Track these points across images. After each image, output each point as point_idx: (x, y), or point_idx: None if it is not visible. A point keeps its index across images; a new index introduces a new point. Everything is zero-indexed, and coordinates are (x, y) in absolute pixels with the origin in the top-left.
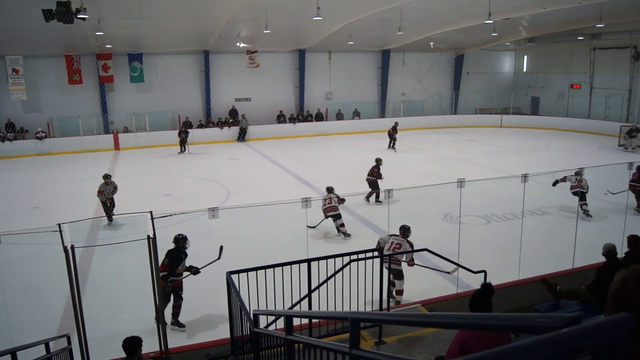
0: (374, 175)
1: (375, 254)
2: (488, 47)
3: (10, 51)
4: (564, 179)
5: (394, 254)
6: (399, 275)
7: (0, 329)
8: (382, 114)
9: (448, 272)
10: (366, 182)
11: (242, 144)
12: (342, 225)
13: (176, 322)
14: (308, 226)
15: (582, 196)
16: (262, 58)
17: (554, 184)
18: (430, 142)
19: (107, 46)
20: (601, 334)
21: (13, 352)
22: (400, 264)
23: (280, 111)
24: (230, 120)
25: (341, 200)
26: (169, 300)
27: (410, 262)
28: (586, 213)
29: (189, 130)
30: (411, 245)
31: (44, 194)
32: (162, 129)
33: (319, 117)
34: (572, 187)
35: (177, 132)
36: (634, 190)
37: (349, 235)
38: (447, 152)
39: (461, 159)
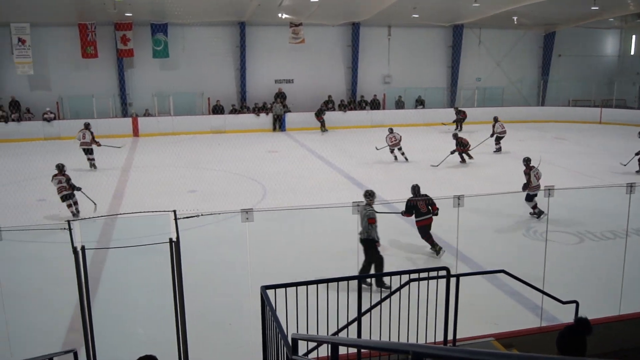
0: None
1: (441, 273)
2: (586, 24)
3: (16, 18)
4: None
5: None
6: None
7: None
8: (452, 103)
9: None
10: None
11: (282, 134)
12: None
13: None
14: (376, 147)
15: None
16: (307, 32)
17: None
18: (510, 139)
19: (127, 14)
20: None
21: None
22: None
23: (329, 96)
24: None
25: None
26: None
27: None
28: None
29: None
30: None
31: (51, 185)
32: (188, 114)
33: (375, 105)
34: None
35: (205, 117)
36: None
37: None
38: (531, 153)
39: (548, 162)
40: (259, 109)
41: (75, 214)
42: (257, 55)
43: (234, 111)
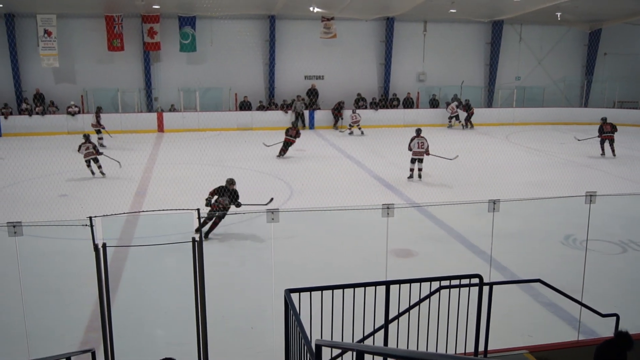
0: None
1: (474, 280)
2: (635, 21)
3: (42, 8)
4: None
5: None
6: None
7: (16, 336)
8: (489, 103)
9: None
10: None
11: (310, 132)
12: (421, 169)
13: (204, 232)
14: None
15: None
16: (340, 27)
17: None
18: (551, 141)
19: (154, 6)
20: None
21: None
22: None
23: (359, 94)
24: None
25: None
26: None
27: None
28: None
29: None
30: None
31: (73, 181)
32: (214, 110)
33: (408, 104)
34: None
35: (232, 113)
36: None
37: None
38: (573, 156)
39: (591, 166)
40: (287, 106)
41: (102, 174)
42: (287, 50)
43: (261, 108)
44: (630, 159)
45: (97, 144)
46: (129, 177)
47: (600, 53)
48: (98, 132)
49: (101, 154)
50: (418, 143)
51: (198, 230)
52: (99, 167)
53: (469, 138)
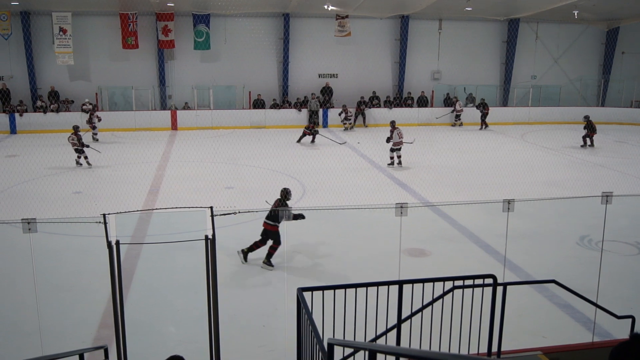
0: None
1: (488, 281)
2: None
3: (58, 6)
4: None
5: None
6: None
7: (30, 332)
8: (505, 102)
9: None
10: None
11: (323, 130)
12: (400, 156)
13: (268, 262)
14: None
15: None
16: (354, 25)
17: None
18: (567, 141)
19: (169, 4)
20: None
21: None
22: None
23: (373, 92)
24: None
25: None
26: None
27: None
28: None
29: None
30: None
31: (87, 178)
32: (228, 108)
33: (422, 102)
34: None
35: (246, 111)
36: None
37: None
38: (589, 156)
39: (607, 166)
40: (300, 104)
41: (88, 165)
42: (301, 48)
43: (275, 106)
44: None
45: (92, 138)
46: (142, 174)
47: (617, 52)
48: (80, 151)
49: (87, 146)
50: (398, 134)
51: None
52: (85, 157)
53: (483, 137)
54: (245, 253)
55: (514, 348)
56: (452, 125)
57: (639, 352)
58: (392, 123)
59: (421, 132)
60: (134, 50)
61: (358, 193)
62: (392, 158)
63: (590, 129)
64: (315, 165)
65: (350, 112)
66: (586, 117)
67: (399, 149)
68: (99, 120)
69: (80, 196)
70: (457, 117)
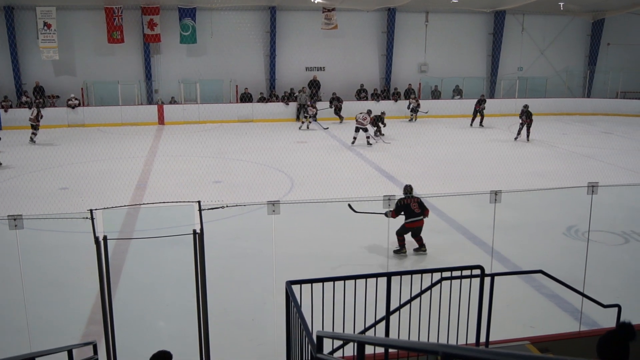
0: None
1: (475, 272)
2: (638, 10)
3: (42, 1)
4: None
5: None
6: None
7: (17, 328)
8: (492, 94)
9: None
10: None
11: (312, 123)
12: (368, 137)
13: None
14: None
15: None
16: (341, 17)
17: None
18: (553, 132)
19: None
20: None
21: (32, 359)
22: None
23: (361, 85)
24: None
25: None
26: None
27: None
28: None
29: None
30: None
31: (74, 173)
32: (215, 102)
33: (410, 95)
34: None
35: (233, 105)
36: None
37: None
38: (575, 147)
39: (593, 157)
40: (287, 98)
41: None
42: (288, 42)
43: (262, 99)
44: (632, 150)
45: (30, 138)
46: (129, 170)
47: (603, 43)
48: (34, 127)
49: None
50: (362, 116)
51: None
52: (34, 134)
53: (471, 129)
54: None
55: (502, 338)
56: (409, 120)
57: (626, 340)
58: (369, 111)
59: (408, 124)
60: (120, 44)
61: (346, 186)
62: (354, 138)
63: (527, 116)
64: (303, 159)
65: (314, 110)
66: (525, 106)
67: (365, 130)
68: (41, 117)
69: (66, 192)
70: (414, 110)
